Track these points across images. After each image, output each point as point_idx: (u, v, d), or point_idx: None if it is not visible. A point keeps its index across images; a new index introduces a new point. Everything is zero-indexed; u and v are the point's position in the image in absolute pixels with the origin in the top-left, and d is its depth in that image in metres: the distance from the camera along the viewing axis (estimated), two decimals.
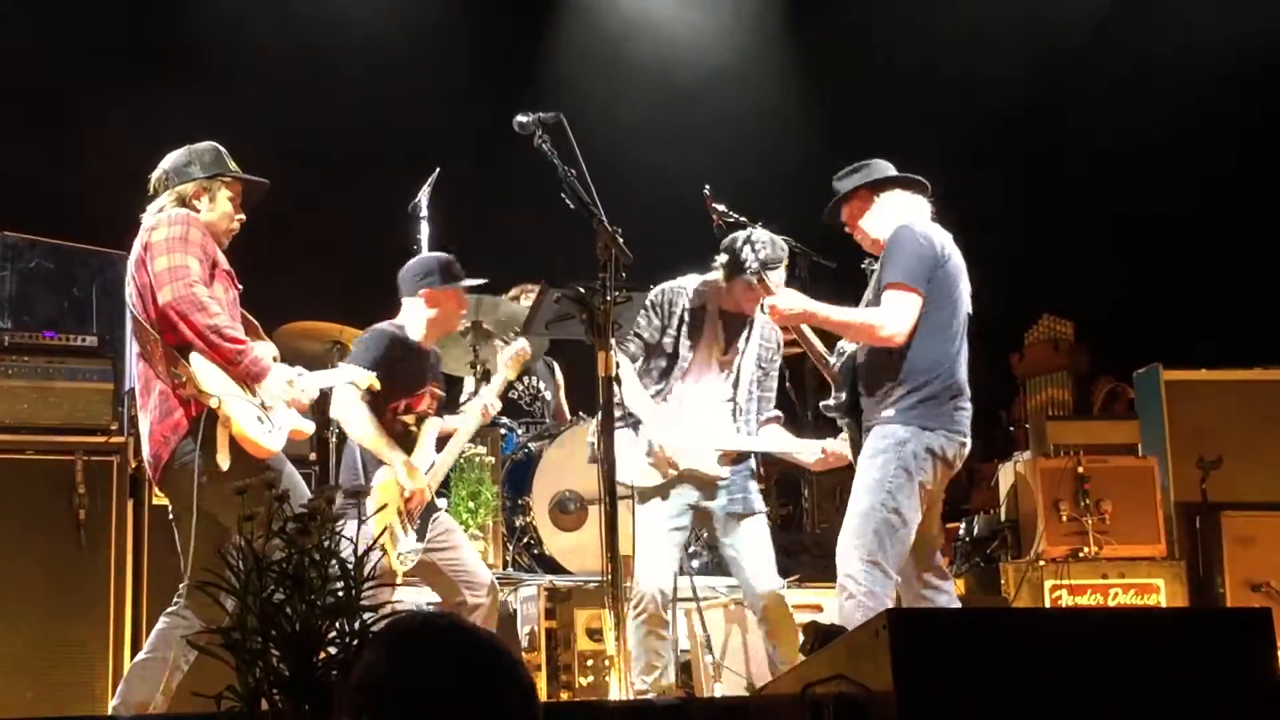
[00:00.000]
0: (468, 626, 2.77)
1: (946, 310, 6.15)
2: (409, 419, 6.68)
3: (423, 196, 7.94)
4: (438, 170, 7.85)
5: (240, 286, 5.86)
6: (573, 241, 6.41)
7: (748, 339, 6.80)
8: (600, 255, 5.65)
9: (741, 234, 6.63)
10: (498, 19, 11.67)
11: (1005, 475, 9.30)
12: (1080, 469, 8.60)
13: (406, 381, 6.64)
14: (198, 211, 5.80)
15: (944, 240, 6.23)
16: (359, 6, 11.15)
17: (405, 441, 6.61)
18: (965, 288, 6.28)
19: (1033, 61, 11.44)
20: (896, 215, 6.24)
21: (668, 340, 6.61)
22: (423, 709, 2.56)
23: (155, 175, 5.89)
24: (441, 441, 6.80)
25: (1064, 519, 8.55)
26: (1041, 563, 8.44)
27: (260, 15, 10.77)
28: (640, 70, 11.67)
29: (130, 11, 10.61)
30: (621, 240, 5.72)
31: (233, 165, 5.93)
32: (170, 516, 5.73)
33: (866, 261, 6.51)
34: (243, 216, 5.95)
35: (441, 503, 6.85)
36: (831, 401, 6.38)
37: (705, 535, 7.39)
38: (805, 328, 6.38)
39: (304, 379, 5.90)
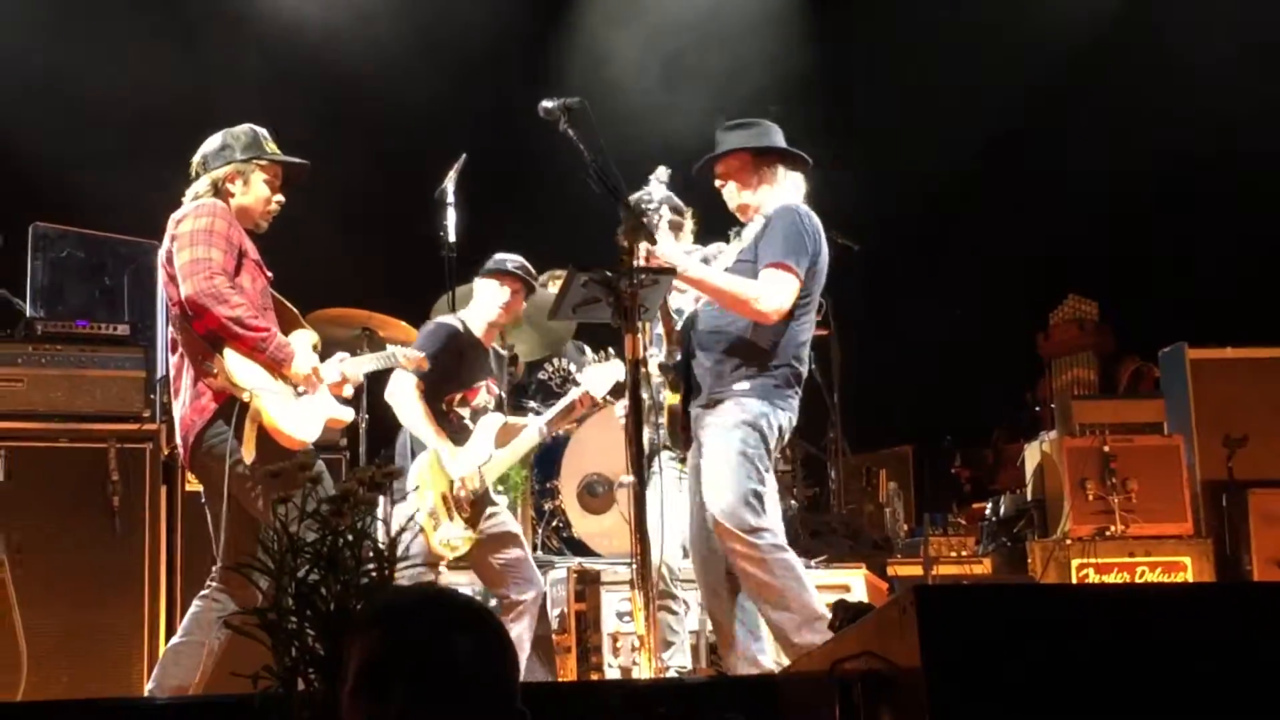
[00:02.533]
0: (456, 595, 2.82)
1: (812, 302, 6.22)
2: (464, 411, 6.78)
3: (449, 183, 7.95)
4: (464, 156, 7.86)
5: (270, 274, 5.89)
6: (599, 225, 6.46)
7: None
8: (626, 239, 5.67)
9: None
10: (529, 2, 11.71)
11: (1031, 455, 9.32)
12: (1106, 448, 8.62)
13: (464, 374, 6.77)
14: (232, 196, 5.83)
15: (821, 229, 6.24)
16: None
17: (462, 433, 6.72)
18: (824, 270, 6.28)
19: (1062, 39, 11.42)
20: (782, 191, 6.26)
21: None
22: (418, 680, 2.60)
23: (195, 159, 5.93)
24: (502, 440, 6.91)
25: (1090, 498, 8.57)
26: (1068, 542, 8.46)
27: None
28: (668, 54, 11.66)
29: None
30: (646, 224, 5.74)
31: (271, 147, 5.95)
32: (203, 501, 5.79)
33: (735, 230, 6.44)
34: (282, 199, 5.97)
35: (501, 500, 6.92)
36: (667, 360, 6.34)
37: None
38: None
39: (349, 364, 5.95)
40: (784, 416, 6.09)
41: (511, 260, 7.20)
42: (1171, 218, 11.30)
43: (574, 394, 7.18)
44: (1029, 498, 9.23)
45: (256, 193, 5.89)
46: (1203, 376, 9.06)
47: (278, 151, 5.98)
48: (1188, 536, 8.56)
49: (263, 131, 5.97)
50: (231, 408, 5.56)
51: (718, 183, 6.37)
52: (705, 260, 6.31)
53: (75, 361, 6.91)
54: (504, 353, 7.38)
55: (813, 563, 7.86)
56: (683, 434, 6.19)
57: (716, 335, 6.15)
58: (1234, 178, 10.94)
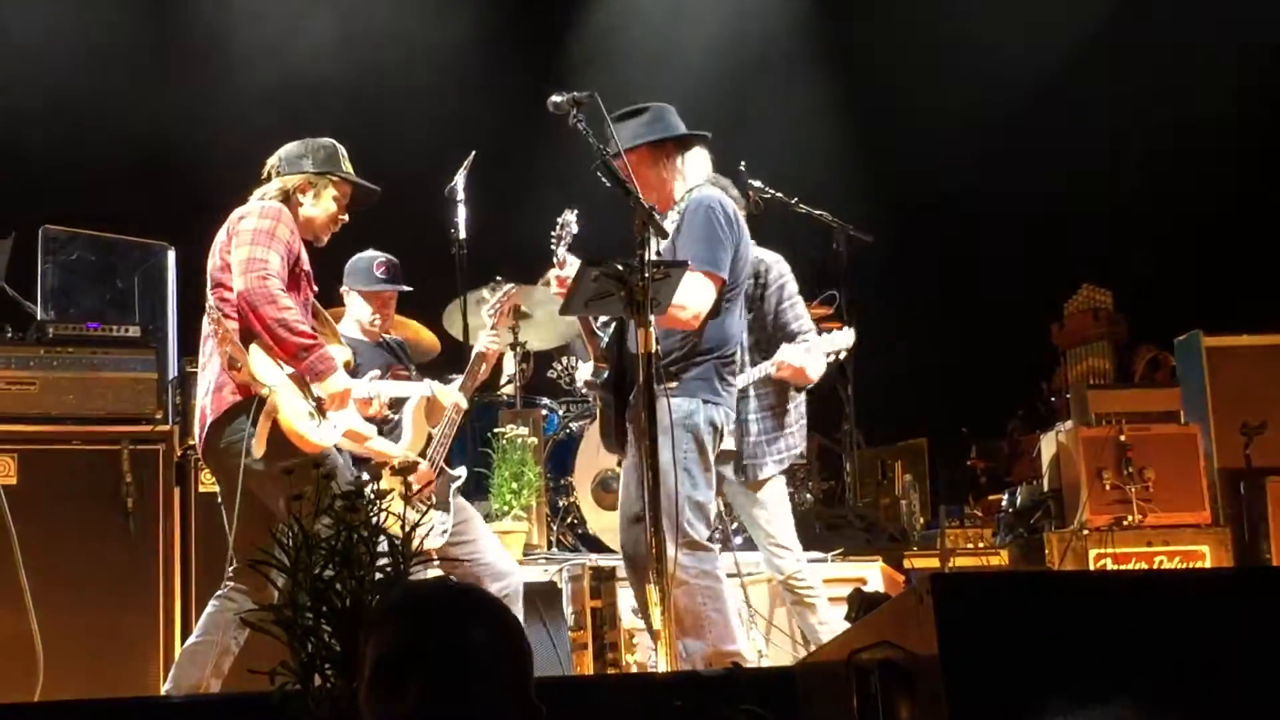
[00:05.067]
0: (471, 588, 2.82)
1: (739, 289, 6.13)
2: (386, 412, 6.66)
3: (459, 180, 7.96)
4: (474, 153, 7.86)
5: (315, 288, 5.91)
6: (609, 220, 6.45)
7: None
8: (636, 233, 5.65)
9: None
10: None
11: (1047, 446, 9.29)
12: (1122, 437, 8.58)
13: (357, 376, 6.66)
14: (300, 206, 5.86)
15: (736, 210, 6.14)
16: None
17: (395, 431, 6.63)
18: (748, 254, 6.19)
19: (1069, 23, 11.40)
20: (690, 176, 6.14)
21: None
22: (435, 674, 2.59)
23: (270, 162, 5.95)
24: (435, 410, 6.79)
25: (1107, 488, 8.54)
26: (1085, 532, 8.43)
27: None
28: (676, 49, 11.67)
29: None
30: (657, 217, 5.73)
31: (346, 166, 5.99)
32: (220, 500, 5.79)
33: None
34: (346, 218, 6.00)
35: (460, 470, 6.79)
36: (594, 378, 6.25)
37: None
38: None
39: (375, 386, 5.96)
40: (717, 412, 5.98)
41: (376, 264, 7.10)
42: (1184, 204, 11.28)
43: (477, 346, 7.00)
44: (1045, 488, 9.21)
45: (325, 207, 5.92)
46: (1219, 364, 9.02)
47: (352, 172, 6.01)
48: (1206, 525, 8.53)
49: (341, 149, 6.01)
50: (251, 404, 5.57)
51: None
52: None
53: (87, 364, 6.92)
54: (394, 341, 7.26)
55: (829, 556, 7.84)
56: (617, 438, 6.08)
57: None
58: (1250, 162, 10.92)
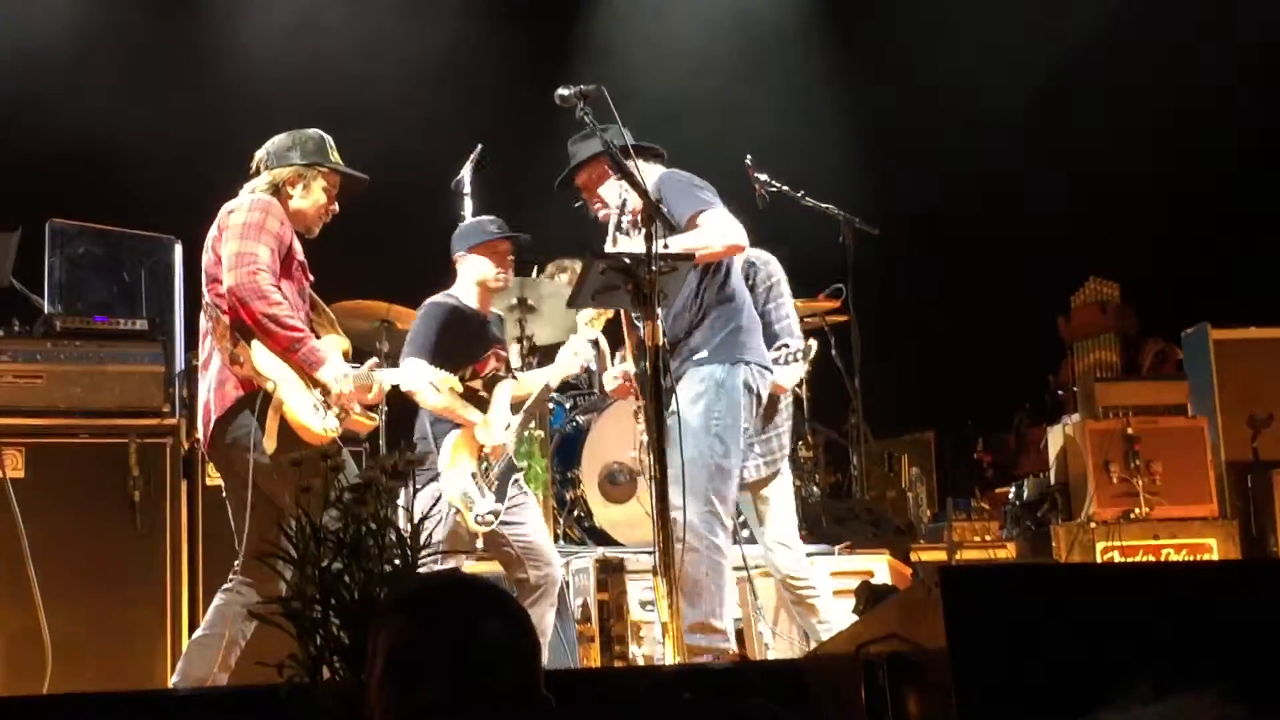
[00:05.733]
0: (480, 580, 2.82)
1: None
2: (476, 384, 6.75)
3: (465, 173, 7.95)
4: (480, 146, 7.86)
5: (311, 277, 5.91)
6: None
7: None
8: (643, 225, 5.65)
9: None
10: None
11: (1054, 438, 9.29)
12: (1130, 430, 8.59)
13: (470, 348, 6.73)
14: (290, 198, 5.86)
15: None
16: None
17: (480, 406, 6.70)
18: None
19: (1074, 17, 11.39)
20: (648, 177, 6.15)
21: None
22: (446, 666, 2.59)
23: (258, 154, 5.95)
24: (517, 404, 6.88)
25: (1114, 480, 8.54)
26: (1092, 525, 8.43)
27: None
28: (680, 40, 11.65)
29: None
30: (665, 210, 5.73)
31: (334, 156, 5.99)
32: (224, 494, 5.80)
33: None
34: (336, 208, 6.00)
35: (523, 464, 6.88)
36: (634, 369, 6.32)
37: None
38: None
39: (375, 375, 5.95)
40: (750, 372, 6.06)
41: (488, 225, 7.05)
42: (1191, 197, 11.26)
43: (565, 350, 7.03)
44: (1052, 481, 9.21)
45: (314, 199, 5.92)
46: (1226, 357, 9.02)
47: (340, 161, 6.01)
48: (1213, 518, 8.53)
49: (329, 139, 6.02)
50: (255, 398, 5.57)
51: (580, 202, 6.41)
52: None
53: (94, 357, 6.91)
54: (504, 315, 7.30)
55: (835, 549, 7.84)
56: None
57: (670, 317, 6.10)
58: (1258, 155, 10.90)
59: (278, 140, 5.95)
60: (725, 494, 5.97)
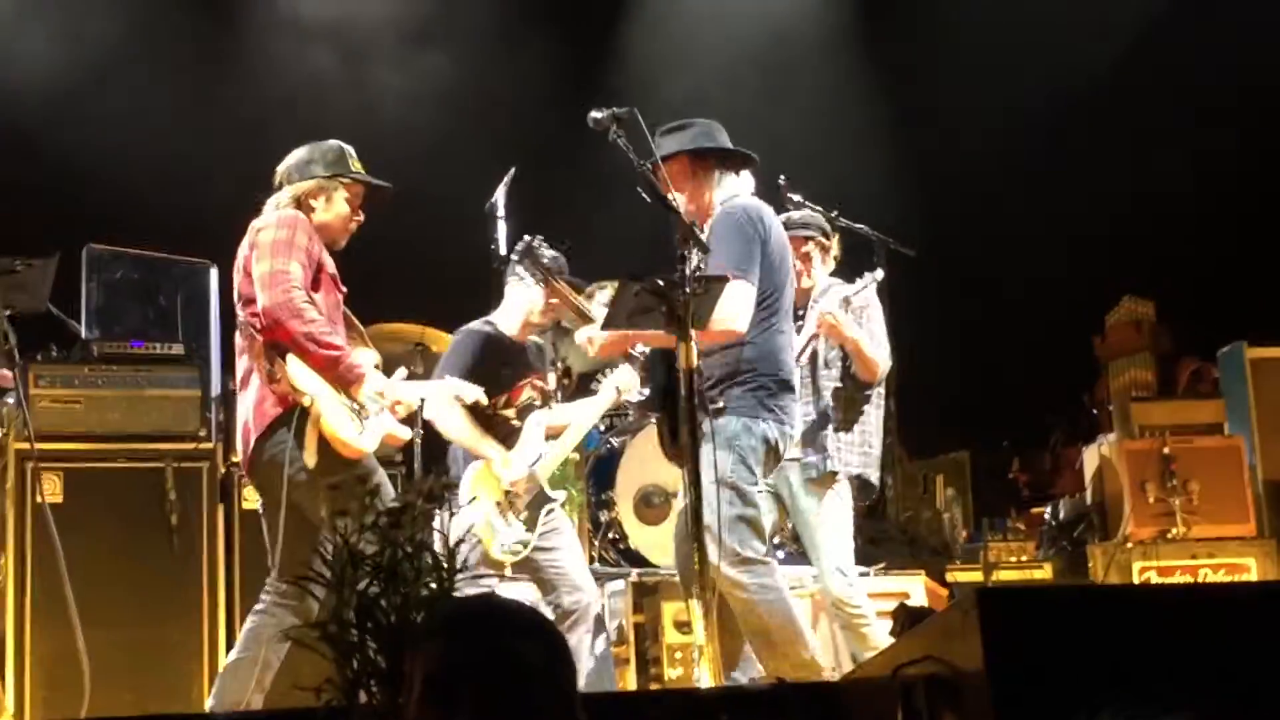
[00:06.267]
0: (516, 604, 2.82)
1: (771, 293, 5.96)
2: (510, 412, 6.73)
3: (499, 196, 7.96)
4: (514, 170, 7.87)
5: (344, 289, 5.91)
6: (649, 235, 6.45)
7: None
8: (678, 247, 5.64)
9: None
10: (573, 14, 11.74)
11: (1090, 458, 9.26)
12: (1166, 450, 8.55)
13: (505, 376, 6.72)
14: (313, 211, 5.85)
15: (765, 213, 6.03)
16: (436, 4, 11.26)
17: (513, 435, 6.68)
18: (788, 263, 6.11)
19: (1110, 33, 11.37)
20: (722, 190, 6.06)
21: None
22: (484, 691, 2.59)
23: (280, 169, 5.94)
24: (554, 435, 6.86)
25: (1151, 500, 8.51)
26: (1129, 545, 8.40)
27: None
28: (712, 61, 11.68)
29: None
30: (698, 232, 5.72)
31: (356, 166, 5.97)
32: (261, 513, 5.81)
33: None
34: (361, 218, 5.99)
35: (559, 495, 6.86)
36: (638, 398, 6.28)
37: (791, 525, 7.32)
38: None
39: (403, 388, 5.95)
40: (769, 428, 5.89)
41: (548, 258, 6.89)
42: (1227, 215, 11.22)
43: (608, 384, 7.06)
44: (1088, 501, 9.19)
45: (338, 210, 5.90)
46: (1263, 376, 8.97)
47: (362, 171, 6.00)
48: (1251, 537, 8.48)
49: (349, 149, 5.99)
50: (292, 415, 5.58)
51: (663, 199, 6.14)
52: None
53: (131, 382, 6.94)
54: (544, 343, 7.25)
55: (870, 570, 7.82)
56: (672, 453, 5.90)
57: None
58: None
59: (298, 153, 5.95)
60: (752, 543, 5.80)
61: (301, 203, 5.84)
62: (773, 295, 5.97)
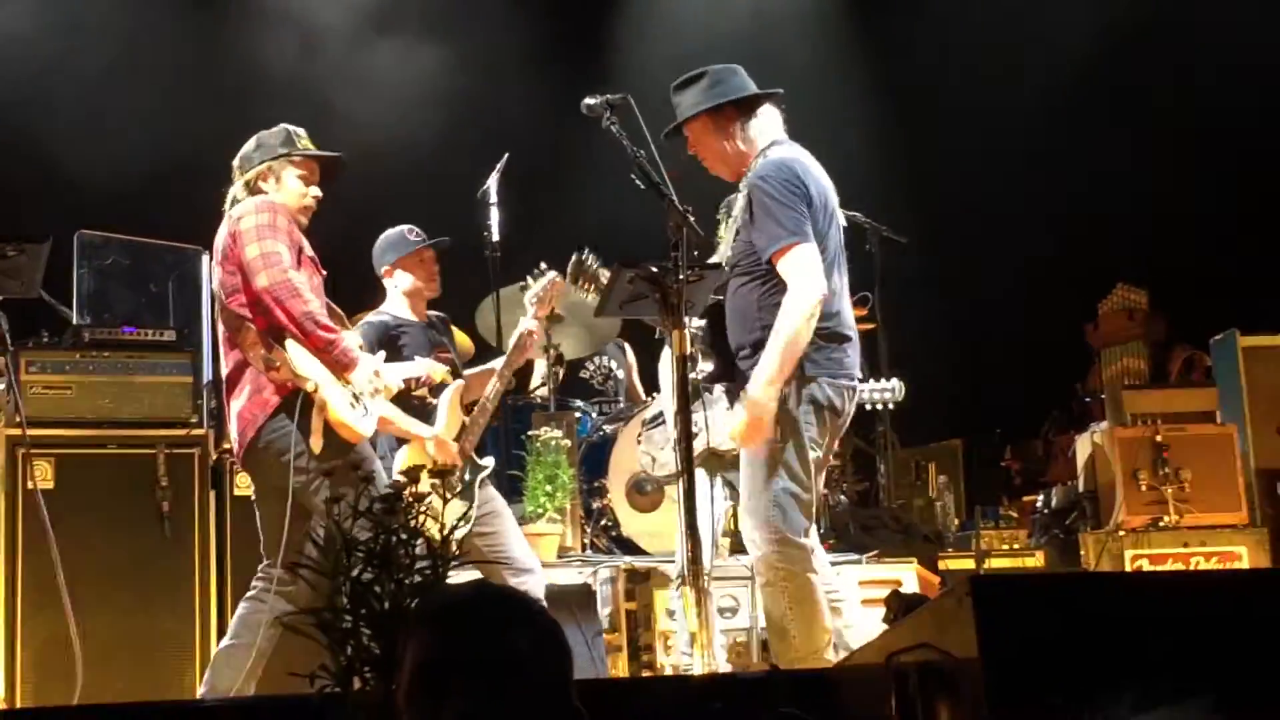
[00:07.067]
0: (511, 591, 2.81)
1: (827, 242, 5.74)
2: (423, 392, 6.67)
3: (491, 183, 7.97)
4: (506, 156, 7.87)
5: (324, 272, 5.91)
6: (642, 222, 6.43)
7: None
8: (672, 235, 5.62)
9: None
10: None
11: (1082, 446, 9.26)
12: (1158, 438, 8.54)
13: (407, 359, 6.63)
14: (264, 194, 5.84)
15: (799, 164, 5.77)
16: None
17: (424, 415, 6.64)
18: (834, 210, 5.85)
19: (1102, 20, 11.37)
20: (758, 137, 5.86)
21: None
22: (476, 679, 2.59)
23: (234, 163, 5.97)
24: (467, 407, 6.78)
25: (1143, 488, 8.50)
26: (1121, 533, 8.40)
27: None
28: (706, 48, 11.66)
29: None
30: (692, 219, 5.70)
31: (303, 143, 5.97)
32: (253, 500, 5.81)
33: (726, 204, 6.00)
34: (318, 193, 5.98)
35: (488, 461, 6.78)
36: (698, 375, 5.91)
37: None
38: None
39: (389, 372, 5.95)
40: (818, 388, 5.65)
41: (407, 231, 6.90)
42: (1220, 203, 11.23)
43: (520, 329, 6.87)
44: (1080, 489, 9.17)
45: (289, 188, 5.90)
46: (1255, 364, 8.95)
47: (310, 147, 6.00)
48: (1242, 526, 8.48)
49: (297, 130, 6.00)
50: (294, 401, 5.58)
51: (690, 149, 6.02)
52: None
53: (122, 368, 6.92)
54: (437, 318, 7.16)
55: (863, 557, 7.83)
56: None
57: (734, 317, 5.89)
58: None
59: (247, 144, 5.98)
60: (793, 520, 5.63)
61: (253, 189, 5.85)
62: (821, 245, 5.70)
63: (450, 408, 6.67)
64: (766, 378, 5.57)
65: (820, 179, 5.83)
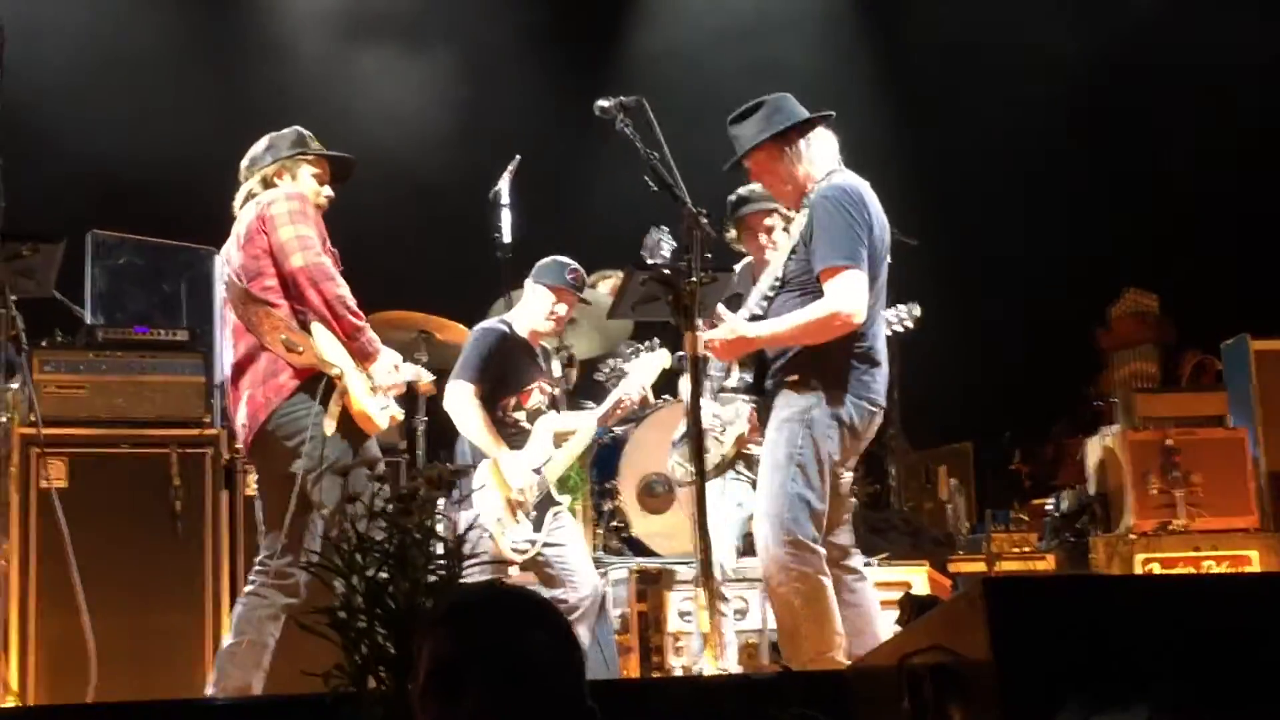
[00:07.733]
0: (525, 592, 2.82)
1: (877, 269, 5.80)
2: (519, 415, 6.78)
3: (503, 184, 7.96)
4: (518, 158, 7.87)
5: (341, 267, 5.94)
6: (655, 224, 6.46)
7: None
8: (685, 237, 5.64)
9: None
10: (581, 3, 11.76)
11: (1093, 450, 9.25)
12: (1169, 442, 8.54)
13: (516, 378, 6.77)
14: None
15: (864, 192, 5.82)
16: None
17: (520, 437, 6.73)
18: (884, 233, 5.87)
19: (1116, 33, 11.37)
20: (818, 161, 5.86)
21: None
22: (490, 678, 2.59)
23: (243, 164, 6.01)
24: (560, 438, 6.91)
25: (1153, 492, 8.50)
26: (1132, 536, 8.40)
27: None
28: (718, 50, 11.68)
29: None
30: (706, 221, 5.71)
31: (316, 144, 6.04)
32: (257, 492, 5.82)
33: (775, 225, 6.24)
34: (330, 194, 6.03)
35: (565, 499, 6.91)
36: (735, 382, 6.05)
37: None
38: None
39: (405, 369, 5.98)
40: (844, 409, 5.69)
41: (569, 270, 7.05)
42: (1231, 207, 11.22)
43: (622, 386, 7.19)
44: (1091, 493, 9.17)
45: (304, 186, 5.94)
46: (1266, 368, 8.95)
47: (323, 148, 6.07)
48: (1254, 529, 8.48)
49: (307, 132, 6.08)
50: (315, 385, 5.60)
51: (751, 178, 6.16)
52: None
53: (135, 367, 6.93)
54: (551, 349, 7.32)
55: (874, 560, 7.82)
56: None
57: None
58: None
59: (258, 144, 6.03)
60: (806, 525, 5.66)
61: (269, 185, 5.88)
62: (870, 270, 5.74)
63: (542, 435, 6.84)
64: (769, 332, 5.73)
65: (879, 211, 5.88)
